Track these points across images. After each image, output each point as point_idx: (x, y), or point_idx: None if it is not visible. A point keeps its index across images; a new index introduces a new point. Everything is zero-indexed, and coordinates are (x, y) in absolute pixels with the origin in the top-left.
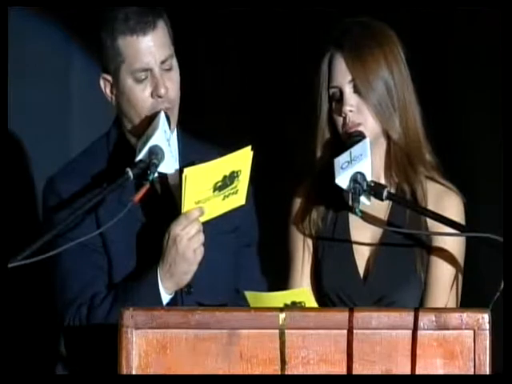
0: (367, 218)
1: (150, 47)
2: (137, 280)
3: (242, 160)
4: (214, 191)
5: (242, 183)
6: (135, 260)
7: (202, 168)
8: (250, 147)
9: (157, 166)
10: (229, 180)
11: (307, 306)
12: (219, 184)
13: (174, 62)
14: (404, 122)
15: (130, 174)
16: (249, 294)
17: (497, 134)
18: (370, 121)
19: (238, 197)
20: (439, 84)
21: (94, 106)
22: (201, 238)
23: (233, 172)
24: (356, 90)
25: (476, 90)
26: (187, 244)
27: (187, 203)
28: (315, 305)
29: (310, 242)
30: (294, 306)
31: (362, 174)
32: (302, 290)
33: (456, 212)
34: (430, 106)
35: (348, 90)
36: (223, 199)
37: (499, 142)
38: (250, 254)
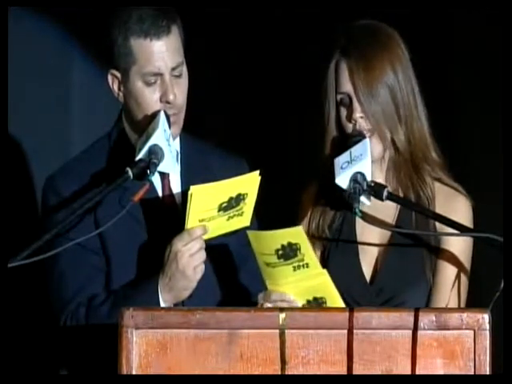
0: (372, 219)
1: (163, 52)
2: (137, 289)
3: (249, 183)
4: (219, 211)
5: (248, 206)
6: (135, 262)
7: (207, 187)
8: (257, 172)
9: (156, 165)
10: (235, 202)
11: (302, 247)
12: (224, 205)
13: (184, 69)
14: (410, 129)
15: (130, 173)
16: (250, 233)
17: (497, 134)
18: (378, 128)
19: (244, 218)
20: (439, 84)
21: (95, 105)
22: (202, 255)
23: (239, 194)
24: (359, 99)
25: (476, 90)
26: (188, 261)
27: (191, 220)
28: (310, 246)
29: (317, 244)
30: (289, 248)
31: (362, 174)
32: (297, 230)
33: (464, 215)
34: (429, 106)
35: (356, 97)
36: (228, 219)
37: (499, 142)
38: (250, 251)
